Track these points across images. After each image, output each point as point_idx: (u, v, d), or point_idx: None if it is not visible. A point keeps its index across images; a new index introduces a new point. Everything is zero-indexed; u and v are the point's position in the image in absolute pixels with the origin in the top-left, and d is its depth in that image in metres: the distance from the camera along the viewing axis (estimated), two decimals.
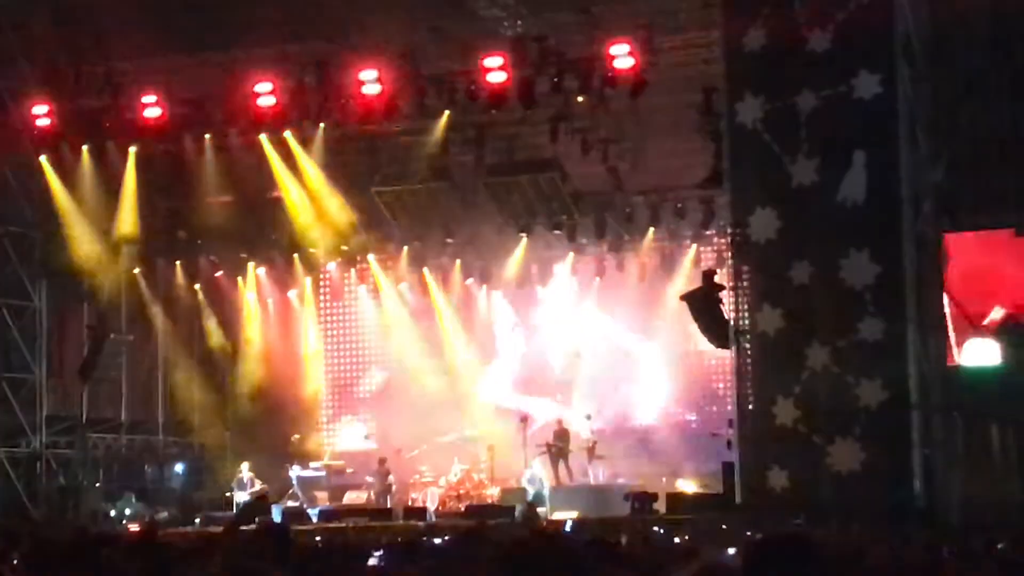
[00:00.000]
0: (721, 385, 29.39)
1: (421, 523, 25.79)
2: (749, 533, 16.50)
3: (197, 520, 28.56)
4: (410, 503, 28.86)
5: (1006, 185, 23.42)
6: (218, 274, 33.50)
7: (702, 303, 25.00)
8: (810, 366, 22.15)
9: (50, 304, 30.95)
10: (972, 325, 23.64)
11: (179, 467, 32.64)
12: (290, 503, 29.36)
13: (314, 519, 27.28)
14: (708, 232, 29.76)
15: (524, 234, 30.96)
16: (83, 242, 29.93)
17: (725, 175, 23.95)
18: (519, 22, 27.29)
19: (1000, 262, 23.38)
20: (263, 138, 29.16)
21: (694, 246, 30.72)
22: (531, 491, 27.66)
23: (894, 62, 22.27)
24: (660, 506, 25.60)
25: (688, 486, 28.15)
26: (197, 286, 33.22)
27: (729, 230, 23.92)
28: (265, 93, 27.88)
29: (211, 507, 29.92)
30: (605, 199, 30.13)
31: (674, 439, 30.36)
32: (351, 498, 29.66)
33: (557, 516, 26.34)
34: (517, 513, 25.87)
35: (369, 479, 29.79)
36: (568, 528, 23.03)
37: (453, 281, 32.84)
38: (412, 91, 27.64)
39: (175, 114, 28.86)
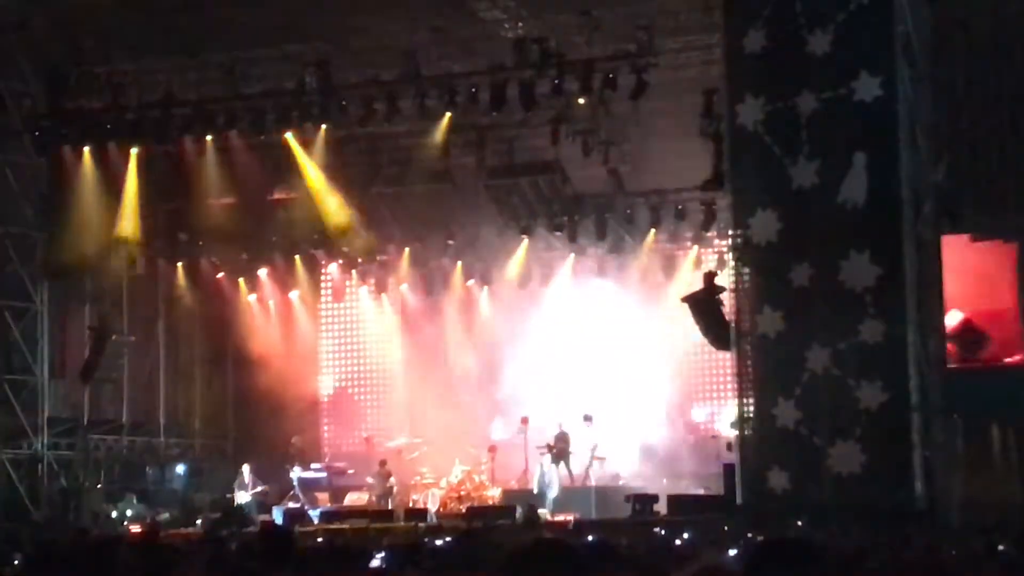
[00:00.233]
0: (722, 387, 29.40)
1: (422, 524, 25.81)
2: (750, 535, 16.53)
3: (198, 521, 28.57)
4: (411, 504, 28.87)
5: (1006, 187, 23.45)
6: (219, 275, 33.50)
7: (703, 305, 25.03)
8: (810, 368, 22.16)
9: (51, 305, 30.92)
10: None
11: (180, 468, 32.64)
12: (291, 504, 29.37)
13: (315, 520, 27.29)
14: (709, 234, 29.75)
15: (525, 236, 31.00)
16: (84, 243, 29.87)
17: (726, 177, 23.96)
18: (520, 24, 27.34)
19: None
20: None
21: (695, 248, 30.73)
22: (549, 494, 27.66)
23: (894, 64, 22.28)
24: (661, 507, 25.60)
25: (689, 488, 28.14)
26: (198, 287, 33.21)
27: (730, 232, 23.93)
28: (266, 94, 27.91)
29: (212, 508, 29.94)
30: (606, 201, 30.15)
31: (675, 441, 30.37)
32: (352, 499, 29.67)
33: (558, 517, 26.36)
34: (518, 515, 25.88)
35: (370, 480, 29.79)
36: (569, 529, 23.05)
37: (454, 282, 32.86)
38: (413, 93, 27.68)
39: (176, 115, 28.90)
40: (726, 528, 20.68)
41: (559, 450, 28.63)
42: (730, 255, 23.98)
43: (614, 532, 19.10)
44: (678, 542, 15.95)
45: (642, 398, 30.85)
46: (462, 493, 29.03)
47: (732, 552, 9.32)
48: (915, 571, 10.10)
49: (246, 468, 29.84)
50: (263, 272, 33.64)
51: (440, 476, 29.62)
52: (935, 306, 22.81)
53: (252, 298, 33.83)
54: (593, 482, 28.79)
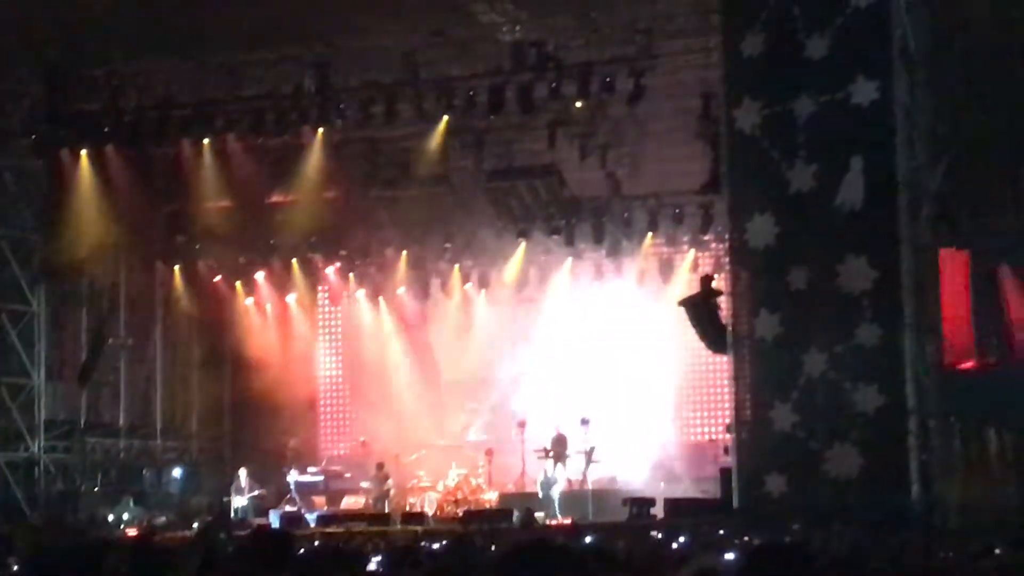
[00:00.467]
0: (719, 390, 29.40)
1: (419, 528, 25.78)
2: (747, 538, 16.51)
3: (195, 524, 28.53)
4: (408, 508, 28.85)
5: (1003, 192, 23.48)
6: (217, 278, 33.50)
7: (700, 308, 25.03)
8: (808, 372, 22.16)
9: (49, 308, 30.91)
10: None
11: (177, 471, 32.61)
12: (288, 508, 29.35)
13: (312, 524, 27.25)
14: (706, 237, 29.78)
15: (523, 239, 31.00)
16: (82, 246, 29.86)
17: (723, 180, 23.96)
18: (518, 27, 27.33)
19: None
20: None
21: (692, 251, 30.76)
22: (554, 496, 27.66)
23: (892, 68, 22.28)
24: (658, 511, 25.59)
25: (686, 491, 28.13)
26: (196, 290, 33.19)
27: (727, 235, 23.94)
28: (265, 97, 27.90)
29: (209, 512, 29.92)
30: (603, 204, 30.15)
31: (672, 444, 30.37)
32: (349, 503, 29.66)
33: (555, 521, 26.35)
34: (515, 518, 25.87)
35: (367, 484, 29.79)
36: (566, 532, 23.02)
37: (452, 285, 32.86)
38: (411, 96, 27.69)
39: (174, 117, 28.89)
40: (723, 532, 20.64)
41: (556, 453, 28.63)
42: (727, 258, 23.98)
43: (611, 535, 19.07)
44: (675, 545, 15.95)
45: (639, 401, 30.85)
46: (459, 496, 29.01)
47: (729, 556, 9.30)
48: (912, 575, 10.09)
49: (243, 472, 29.83)
50: (260, 275, 33.62)
51: (437, 479, 29.61)
52: (932, 310, 22.83)
53: (249, 301, 33.82)
54: (590, 485, 28.78)
